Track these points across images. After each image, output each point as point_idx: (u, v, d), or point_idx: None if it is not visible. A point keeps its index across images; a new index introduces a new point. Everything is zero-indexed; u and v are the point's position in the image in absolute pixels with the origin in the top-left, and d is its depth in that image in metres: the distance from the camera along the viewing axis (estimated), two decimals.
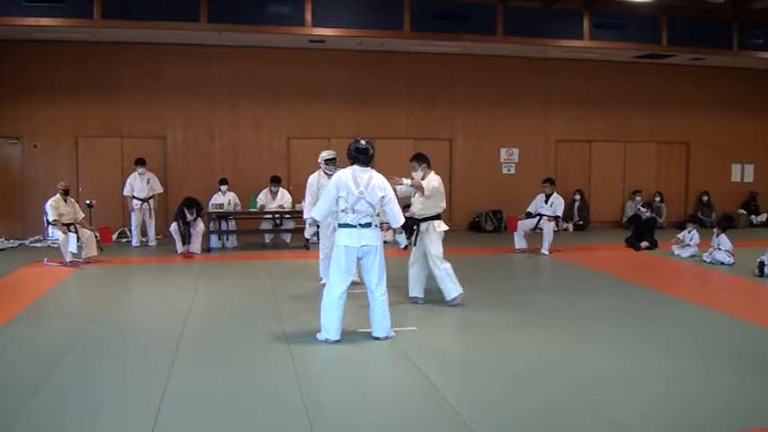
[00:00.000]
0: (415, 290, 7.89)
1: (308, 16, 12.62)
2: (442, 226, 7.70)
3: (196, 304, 7.88)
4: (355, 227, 6.14)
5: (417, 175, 7.65)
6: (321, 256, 8.77)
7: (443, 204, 7.81)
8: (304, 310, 7.56)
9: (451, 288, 7.63)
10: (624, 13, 13.85)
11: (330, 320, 6.19)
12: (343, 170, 6.37)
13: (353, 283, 6.50)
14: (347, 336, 6.32)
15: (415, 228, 7.71)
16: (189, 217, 11.70)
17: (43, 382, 5.07)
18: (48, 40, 13.07)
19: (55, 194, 10.73)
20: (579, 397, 4.86)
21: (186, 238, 11.70)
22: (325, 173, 8.78)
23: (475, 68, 15.45)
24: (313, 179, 8.94)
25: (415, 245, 7.73)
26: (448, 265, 7.62)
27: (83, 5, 11.73)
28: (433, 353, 5.94)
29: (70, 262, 10.41)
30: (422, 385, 5.11)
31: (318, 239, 9.10)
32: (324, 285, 8.76)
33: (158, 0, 12.07)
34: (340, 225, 6.23)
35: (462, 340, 6.58)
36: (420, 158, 7.75)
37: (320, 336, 6.24)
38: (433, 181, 7.60)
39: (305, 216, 6.05)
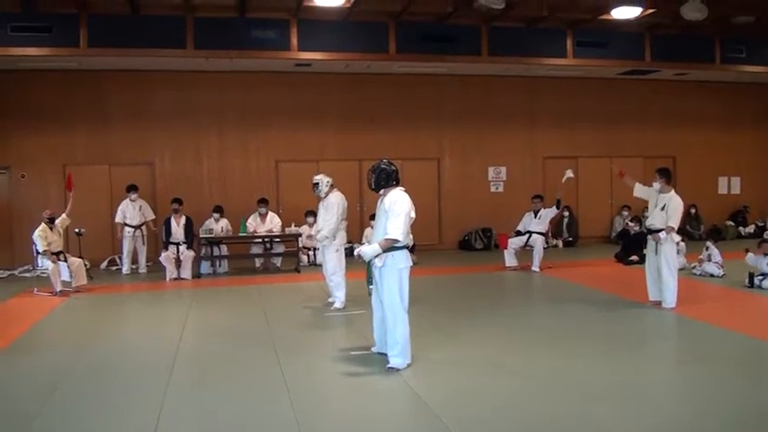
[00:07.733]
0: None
1: (294, 40, 12.67)
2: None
3: (188, 331, 7.84)
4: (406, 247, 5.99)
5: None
6: (332, 273, 8.86)
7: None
8: (297, 333, 7.54)
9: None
10: (607, 31, 14.00)
11: (409, 344, 6.02)
12: (403, 192, 6.13)
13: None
14: (342, 358, 6.30)
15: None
16: (174, 225, 11.96)
17: (37, 413, 5.02)
18: (34, 69, 13.09)
19: (40, 224, 10.63)
20: (579, 414, 4.85)
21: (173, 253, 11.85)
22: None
23: (461, 88, 15.56)
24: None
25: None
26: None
27: (69, 34, 11.72)
28: (430, 374, 5.91)
29: (60, 291, 10.33)
30: (417, 404, 5.10)
31: (323, 258, 9.12)
32: (332, 304, 8.83)
33: (144, 27, 12.08)
34: (400, 248, 5.91)
35: (460, 363, 6.50)
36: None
37: (402, 363, 5.96)
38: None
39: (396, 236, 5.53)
